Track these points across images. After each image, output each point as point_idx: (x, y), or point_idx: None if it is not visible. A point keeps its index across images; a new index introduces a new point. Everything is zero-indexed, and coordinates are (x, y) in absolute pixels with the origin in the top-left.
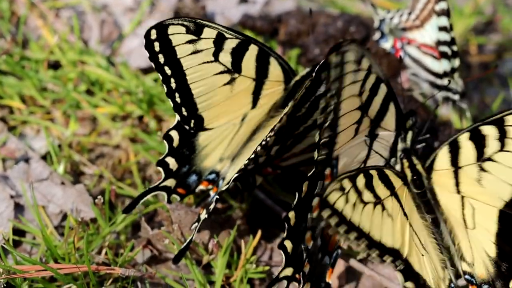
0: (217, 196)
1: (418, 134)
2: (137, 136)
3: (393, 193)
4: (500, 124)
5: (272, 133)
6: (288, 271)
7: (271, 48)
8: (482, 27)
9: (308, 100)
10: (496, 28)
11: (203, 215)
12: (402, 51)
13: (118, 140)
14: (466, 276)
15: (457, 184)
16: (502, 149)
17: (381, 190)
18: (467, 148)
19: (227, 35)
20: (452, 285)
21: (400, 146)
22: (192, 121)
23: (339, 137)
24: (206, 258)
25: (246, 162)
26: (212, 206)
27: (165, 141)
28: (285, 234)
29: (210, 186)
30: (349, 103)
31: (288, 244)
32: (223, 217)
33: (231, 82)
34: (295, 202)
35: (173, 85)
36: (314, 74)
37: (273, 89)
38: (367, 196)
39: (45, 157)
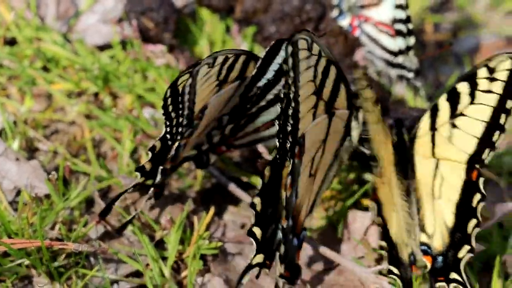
0: (161, 167)
1: None
2: (92, 113)
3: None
4: (472, 79)
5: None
6: (259, 258)
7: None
8: (438, 6)
9: (258, 81)
10: (451, 7)
11: (151, 190)
12: (359, 29)
13: (73, 117)
14: (423, 247)
15: (433, 147)
16: (472, 102)
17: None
18: (444, 109)
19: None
20: (412, 257)
21: (353, 124)
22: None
23: (300, 122)
24: (159, 234)
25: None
26: (158, 178)
27: (149, 152)
28: (252, 221)
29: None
30: (305, 89)
31: (257, 230)
32: (176, 193)
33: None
34: (259, 188)
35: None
36: (261, 58)
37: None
38: None
39: (0, 133)
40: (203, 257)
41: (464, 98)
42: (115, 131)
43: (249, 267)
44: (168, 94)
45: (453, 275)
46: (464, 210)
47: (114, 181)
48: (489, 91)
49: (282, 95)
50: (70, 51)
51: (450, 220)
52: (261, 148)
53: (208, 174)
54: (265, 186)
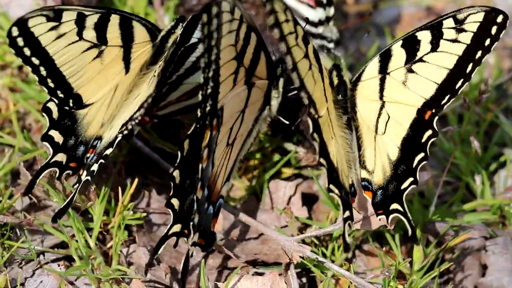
0: (102, 160)
1: (290, 81)
2: (17, 86)
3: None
4: (437, 27)
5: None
6: (177, 228)
7: (132, 13)
8: None
9: (178, 51)
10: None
11: (84, 176)
12: None
13: None
14: (364, 183)
15: (381, 90)
16: (435, 50)
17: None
18: (398, 55)
19: (86, 13)
20: (353, 188)
21: (273, 93)
22: (70, 100)
23: (220, 88)
24: (84, 205)
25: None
26: (95, 168)
27: (44, 114)
28: (171, 193)
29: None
30: (226, 53)
31: (175, 201)
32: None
33: (99, 55)
34: (177, 161)
35: (44, 72)
36: (184, 26)
37: (142, 49)
38: None
39: None
40: (128, 228)
41: (425, 46)
42: (39, 103)
43: (166, 236)
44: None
45: (394, 206)
46: (411, 144)
47: (39, 153)
48: (456, 41)
49: (202, 62)
50: None
51: (394, 153)
52: (184, 118)
53: (132, 145)
54: (184, 158)
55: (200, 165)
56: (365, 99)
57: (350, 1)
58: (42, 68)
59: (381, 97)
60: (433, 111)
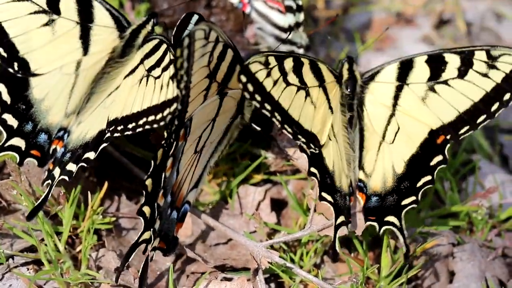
0: (84, 164)
1: None
2: None
3: (322, 86)
4: (468, 56)
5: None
6: (147, 235)
7: None
8: None
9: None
10: None
11: (58, 175)
12: (249, 5)
13: None
14: (359, 183)
15: (396, 98)
16: (462, 77)
17: (309, 79)
18: (421, 69)
19: None
20: (351, 188)
21: (246, 103)
22: (15, 63)
23: (190, 106)
24: (53, 209)
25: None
26: (73, 169)
27: None
28: (143, 201)
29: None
30: (198, 74)
31: (147, 209)
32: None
33: (50, 23)
34: (151, 169)
35: None
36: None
37: (104, 35)
38: (292, 78)
39: None
40: (97, 232)
41: (452, 70)
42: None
43: (136, 244)
44: None
45: (391, 218)
46: (419, 164)
47: (8, 156)
48: (486, 76)
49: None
50: None
51: (400, 167)
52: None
53: (102, 149)
54: (157, 167)
55: (163, 174)
56: (376, 101)
57: (320, 6)
58: None
59: (394, 105)
60: (447, 137)
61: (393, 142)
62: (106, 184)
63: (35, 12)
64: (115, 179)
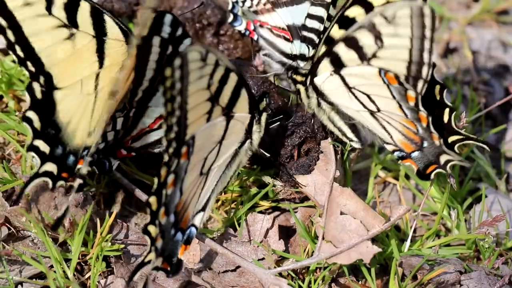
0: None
1: (272, 115)
2: None
3: None
4: None
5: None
6: (153, 256)
7: (102, 6)
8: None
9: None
10: None
11: (77, 183)
12: (255, 33)
13: None
14: (397, 153)
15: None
16: None
17: None
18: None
19: None
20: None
21: (255, 128)
22: (41, 77)
23: (189, 127)
24: (62, 236)
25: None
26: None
27: (25, 124)
28: (148, 219)
29: None
30: (196, 96)
31: (152, 228)
32: (80, 195)
33: (71, 37)
34: (155, 187)
35: (12, 37)
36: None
37: (116, 48)
38: None
39: None
40: (106, 259)
41: None
42: (19, 134)
43: (142, 264)
44: None
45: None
46: None
47: (18, 183)
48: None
49: (164, 101)
50: None
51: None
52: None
53: (111, 176)
54: (161, 185)
55: (165, 191)
56: None
57: None
58: (10, 32)
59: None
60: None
61: None
62: (114, 211)
63: (58, 27)
64: (124, 206)
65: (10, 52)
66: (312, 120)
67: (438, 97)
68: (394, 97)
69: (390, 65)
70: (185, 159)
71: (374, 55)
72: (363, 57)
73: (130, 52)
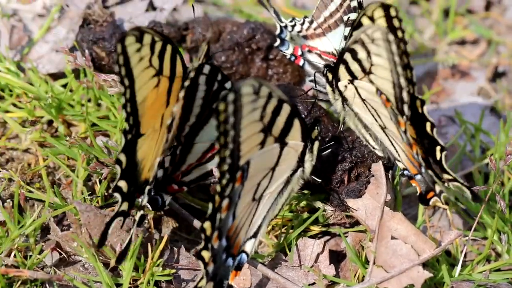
0: (148, 187)
1: (324, 142)
2: (46, 141)
3: None
4: None
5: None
6: (204, 280)
7: (175, 44)
8: None
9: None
10: None
11: (138, 215)
12: (302, 58)
13: (28, 144)
14: (405, 172)
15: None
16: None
17: None
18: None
19: (156, 38)
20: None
21: (307, 156)
22: (134, 128)
23: (242, 158)
24: (113, 261)
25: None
26: (145, 200)
27: (117, 166)
28: (202, 245)
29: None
30: (250, 129)
31: (205, 253)
32: (130, 220)
33: (158, 84)
34: (209, 213)
35: (128, 95)
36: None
37: (178, 85)
38: None
39: None
40: (157, 284)
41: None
42: (69, 159)
43: None
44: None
45: (446, 176)
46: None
47: (68, 208)
48: None
49: (218, 135)
50: (24, 79)
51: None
52: (215, 170)
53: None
54: (215, 210)
55: (219, 215)
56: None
57: None
58: (128, 91)
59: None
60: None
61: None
62: (166, 236)
63: (152, 76)
64: (174, 231)
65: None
66: (362, 145)
67: (430, 133)
68: (391, 118)
69: (381, 83)
70: (240, 183)
71: (370, 71)
72: (364, 71)
73: (185, 84)
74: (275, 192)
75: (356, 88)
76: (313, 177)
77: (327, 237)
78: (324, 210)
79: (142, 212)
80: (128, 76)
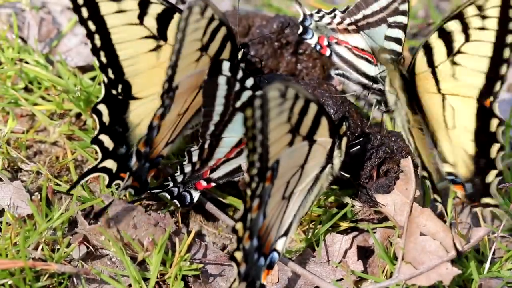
0: (136, 148)
1: (353, 137)
2: (75, 134)
3: None
4: (461, 18)
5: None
6: (237, 281)
7: None
8: (415, 30)
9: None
10: (427, 32)
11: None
12: (328, 48)
13: (56, 137)
14: (450, 177)
15: (437, 83)
16: (467, 40)
17: None
18: (438, 47)
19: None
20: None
21: (336, 152)
22: (120, 85)
23: (271, 160)
24: (141, 255)
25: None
26: (133, 162)
27: (94, 116)
28: (234, 246)
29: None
30: (278, 131)
31: (238, 254)
32: (158, 215)
33: (157, 49)
34: (241, 214)
35: (98, 42)
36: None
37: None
38: None
39: None
40: (184, 278)
41: (458, 36)
42: (97, 152)
43: None
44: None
45: (485, 200)
46: (483, 136)
47: (96, 202)
48: (484, 28)
49: (246, 140)
50: (52, 72)
51: (470, 147)
52: (243, 165)
53: None
54: (247, 211)
55: (250, 215)
56: (425, 91)
57: (405, 55)
58: (97, 37)
59: (439, 90)
60: (491, 98)
61: (455, 126)
62: (193, 231)
63: (146, 37)
64: (202, 225)
65: (94, 57)
66: (392, 141)
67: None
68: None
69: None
70: (269, 183)
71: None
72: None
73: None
74: (305, 190)
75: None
76: (342, 172)
77: (355, 233)
78: (353, 206)
79: (131, 178)
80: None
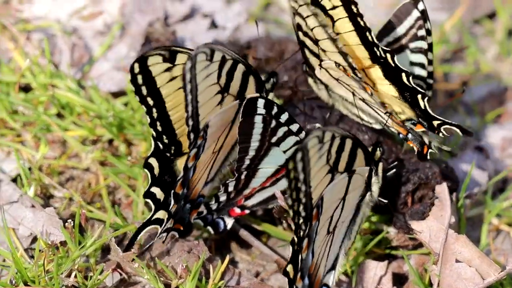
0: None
1: (387, 164)
2: (107, 160)
3: None
4: None
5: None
6: None
7: (251, 66)
8: (449, 56)
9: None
10: (461, 57)
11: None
12: None
13: (88, 164)
14: (408, 122)
15: None
16: None
17: None
18: None
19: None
20: None
21: (373, 179)
22: (172, 147)
23: (314, 200)
24: (175, 282)
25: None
26: (171, 206)
27: (146, 170)
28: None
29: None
30: (319, 175)
31: None
32: (192, 241)
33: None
34: (290, 255)
35: (155, 115)
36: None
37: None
38: None
39: (15, 180)
40: None
41: None
42: (129, 178)
43: None
44: (140, 81)
45: (435, 122)
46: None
47: (129, 228)
48: None
49: (289, 190)
50: (84, 97)
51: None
52: (278, 193)
53: None
54: (296, 252)
55: (300, 255)
56: None
57: (439, 79)
58: (154, 110)
59: None
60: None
61: None
62: (227, 258)
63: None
64: (235, 252)
65: (151, 129)
66: (426, 166)
67: (407, 84)
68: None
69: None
70: (316, 220)
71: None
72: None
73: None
74: (347, 221)
75: (326, 70)
76: (380, 198)
77: (389, 260)
78: (387, 232)
79: (171, 220)
80: (154, 96)
